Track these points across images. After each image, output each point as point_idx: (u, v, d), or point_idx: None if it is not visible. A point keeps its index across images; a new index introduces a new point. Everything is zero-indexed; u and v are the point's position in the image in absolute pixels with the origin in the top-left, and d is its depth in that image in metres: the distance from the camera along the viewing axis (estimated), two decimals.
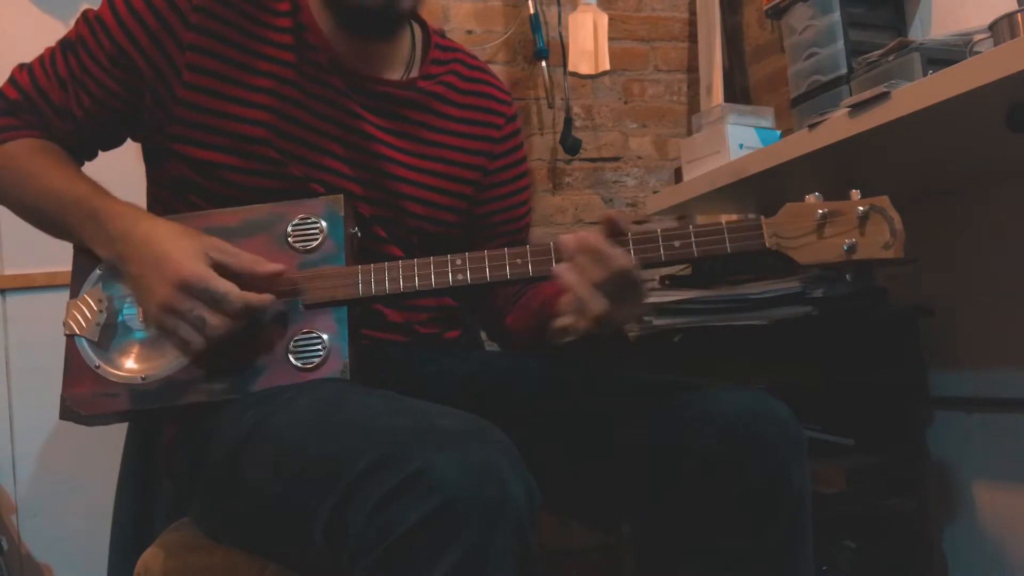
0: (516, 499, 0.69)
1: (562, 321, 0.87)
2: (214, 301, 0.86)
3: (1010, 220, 1.50)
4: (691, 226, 0.90)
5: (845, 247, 0.87)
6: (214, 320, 0.87)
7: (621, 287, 0.85)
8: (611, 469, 0.94)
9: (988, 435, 1.57)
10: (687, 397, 0.92)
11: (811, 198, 0.89)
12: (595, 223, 0.94)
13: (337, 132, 1.02)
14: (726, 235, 0.89)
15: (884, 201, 0.88)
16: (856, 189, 0.89)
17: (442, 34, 1.17)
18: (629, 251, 0.88)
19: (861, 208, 0.87)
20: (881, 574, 1.59)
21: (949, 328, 1.62)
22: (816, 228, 0.88)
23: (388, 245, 1.05)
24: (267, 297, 0.90)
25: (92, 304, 0.95)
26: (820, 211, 0.87)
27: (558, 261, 0.89)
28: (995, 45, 1.13)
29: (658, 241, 0.89)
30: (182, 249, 0.88)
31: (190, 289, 0.86)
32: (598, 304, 0.84)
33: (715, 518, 0.88)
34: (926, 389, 1.67)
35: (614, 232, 0.88)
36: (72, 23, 1.03)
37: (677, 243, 0.89)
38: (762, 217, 0.90)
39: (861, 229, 0.87)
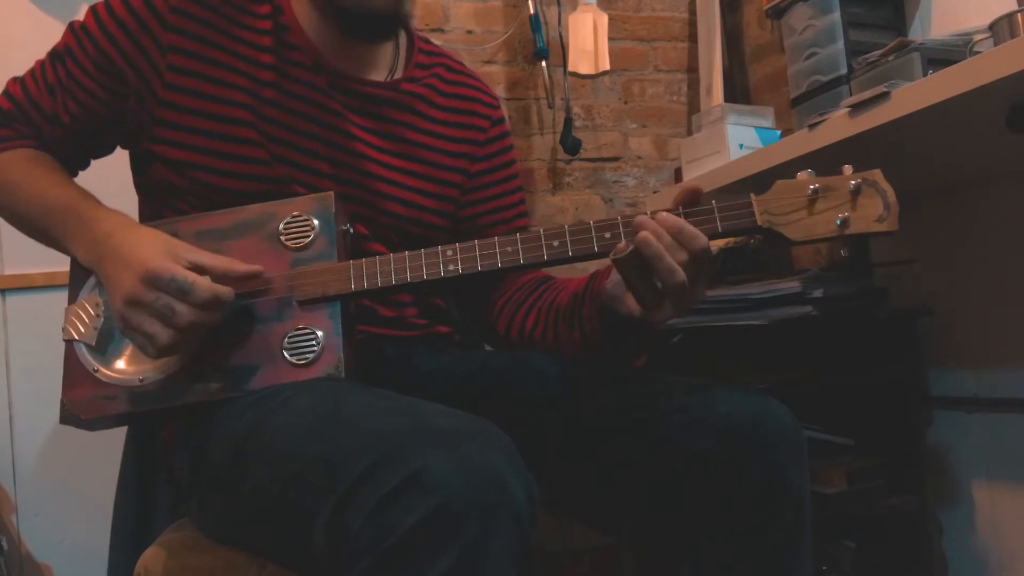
0: (515, 499, 0.69)
1: (620, 245, 0.85)
2: (181, 292, 0.86)
3: (1010, 220, 1.50)
4: (680, 208, 0.89)
5: (838, 222, 0.85)
6: (181, 309, 0.86)
7: (699, 263, 0.85)
8: (610, 469, 0.94)
9: (988, 435, 1.57)
10: (687, 397, 0.92)
11: (803, 174, 0.88)
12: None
13: (318, 131, 1.02)
14: (716, 215, 0.88)
15: (876, 175, 0.86)
16: (848, 164, 0.88)
17: (427, 40, 1.18)
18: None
19: (853, 182, 0.85)
20: (881, 574, 1.59)
21: (949, 328, 1.62)
22: (807, 204, 0.86)
23: (371, 242, 1.05)
24: (229, 290, 0.90)
25: (89, 309, 0.96)
26: (812, 187, 0.86)
27: (635, 227, 0.87)
28: (995, 45, 1.13)
29: None
30: (152, 247, 0.89)
31: (156, 281, 0.86)
32: (673, 271, 0.84)
33: (714, 518, 0.88)
34: (926, 389, 1.67)
35: (691, 202, 0.88)
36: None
37: None
38: (752, 195, 0.88)
39: (853, 203, 0.85)
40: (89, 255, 0.95)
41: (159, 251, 0.89)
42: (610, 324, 0.97)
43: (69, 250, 0.98)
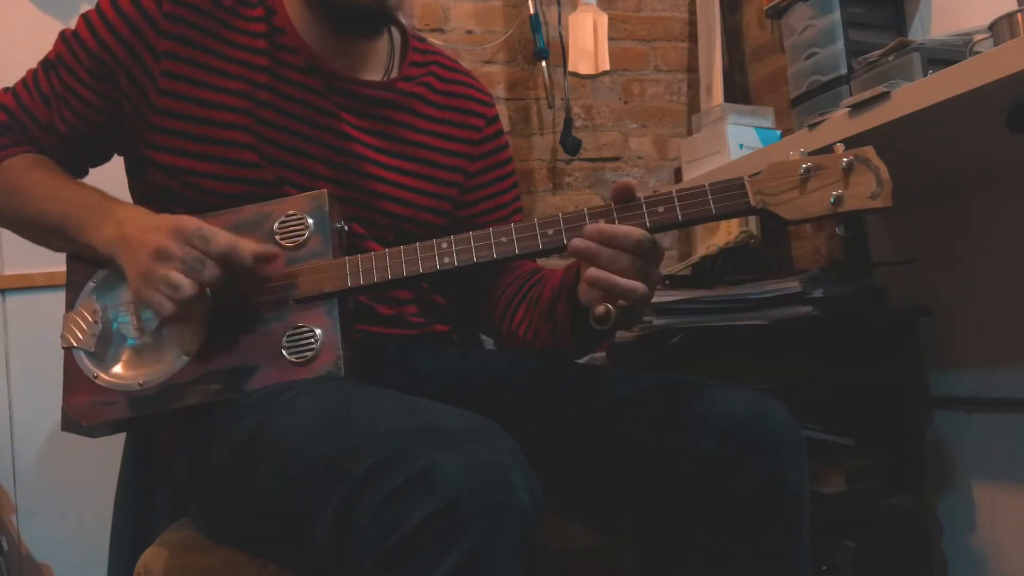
0: (520, 499, 0.69)
1: (600, 311, 0.85)
2: (204, 240, 0.88)
3: (1010, 220, 1.50)
4: (673, 191, 0.88)
5: (831, 200, 0.85)
6: (209, 263, 0.88)
7: (644, 257, 0.85)
8: (609, 470, 0.94)
9: (988, 435, 1.57)
10: (686, 397, 0.92)
11: (795, 154, 0.87)
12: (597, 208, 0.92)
13: (313, 133, 1.02)
14: (710, 197, 0.87)
15: (868, 151, 0.86)
16: (840, 143, 0.87)
17: (420, 38, 1.17)
18: (643, 218, 0.87)
19: (845, 160, 0.85)
20: (881, 574, 1.59)
21: (949, 328, 1.62)
22: (800, 183, 0.86)
23: (368, 242, 1.05)
24: (250, 250, 0.90)
25: (87, 316, 0.96)
26: (804, 166, 0.85)
27: (571, 254, 0.88)
28: (995, 45, 1.13)
29: (641, 208, 0.87)
30: (175, 215, 0.92)
31: (183, 233, 0.88)
32: (633, 289, 0.84)
33: (713, 518, 0.88)
34: (926, 389, 1.67)
35: (626, 198, 0.88)
36: (71, 23, 1.04)
37: (661, 208, 0.87)
38: (744, 176, 0.88)
39: (846, 181, 0.85)
40: (109, 236, 0.94)
41: (183, 216, 0.91)
42: (582, 319, 0.97)
43: (87, 239, 0.97)
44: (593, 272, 0.85)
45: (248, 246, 0.91)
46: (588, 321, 0.88)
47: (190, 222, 0.89)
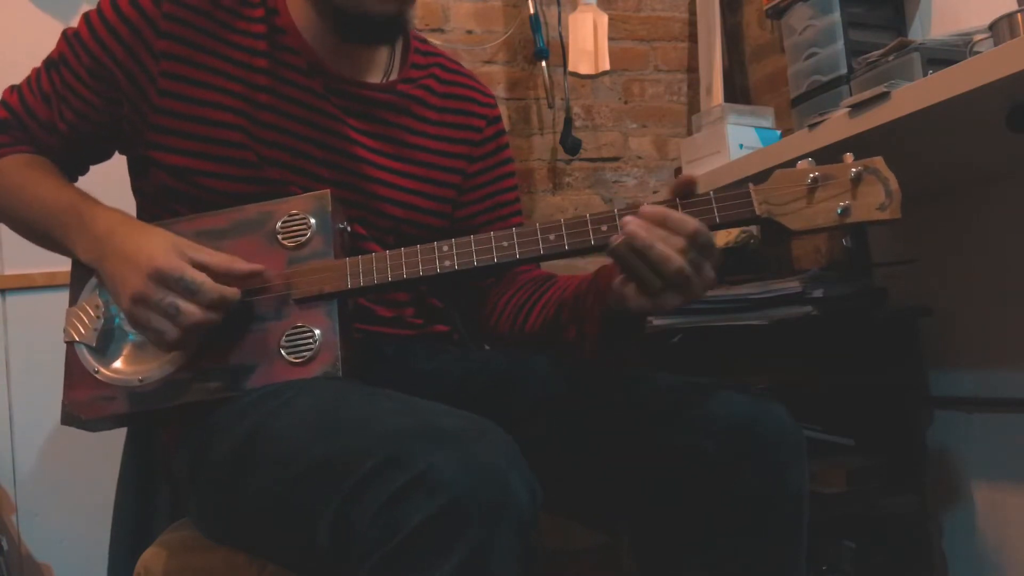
0: (519, 499, 0.69)
1: (616, 239, 0.84)
2: (188, 291, 0.87)
3: (1010, 220, 1.50)
4: (677, 199, 0.87)
5: (838, 211, 0.83)
6: (188, 308, 0.87)
7: (699, 251, 0.84)
8: (609, 470, 0.94)
9: (988, 435, 1.57)
10: (686, 398, 0.92)
11: (803, 163, 0.86)
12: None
13: (313, 134, 1.02)
14: (714, 205, 0.86)
15: (878, 162, 0.84)
16: (850, 152, 0.86)
17: (423, 40, 1.17)
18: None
19: (854, 170, 0.83)
20: (881, 574, 1.59)
21: (949, 328, 1.62)
22: (807, 193, 0.84)
23: (368, 243, 1.05)
24: (235, 290, 0.90)
25: (90, 311, 0.96)
26: (811, 175, 0.84)
27: (614, 244, 0.86)
28: (995, 45, 1.13)
29: None
30: (156, 244, 0.90)
31: (164, 279, 0.87)
32: (668, 258, 0.82)
33: (713, 518, 0.88)
34: (926, 389, 1.67)
35: (686, 194, 0.87)
36: (71, 23, 1.05)
37: None
38: (750, 184, 0.87)
39: (854, 192, 0.83)
40: (90, 253, 0.95)
41: (165, 248, 0.89)
42: (609, 322, 0.96)
43: (70, 250, 0.98)
44: (631, 229, 0.83)
45: (233, 290, 0.90)
46: (619, 328, 0.88)
47: (173, 267, 0.87)
